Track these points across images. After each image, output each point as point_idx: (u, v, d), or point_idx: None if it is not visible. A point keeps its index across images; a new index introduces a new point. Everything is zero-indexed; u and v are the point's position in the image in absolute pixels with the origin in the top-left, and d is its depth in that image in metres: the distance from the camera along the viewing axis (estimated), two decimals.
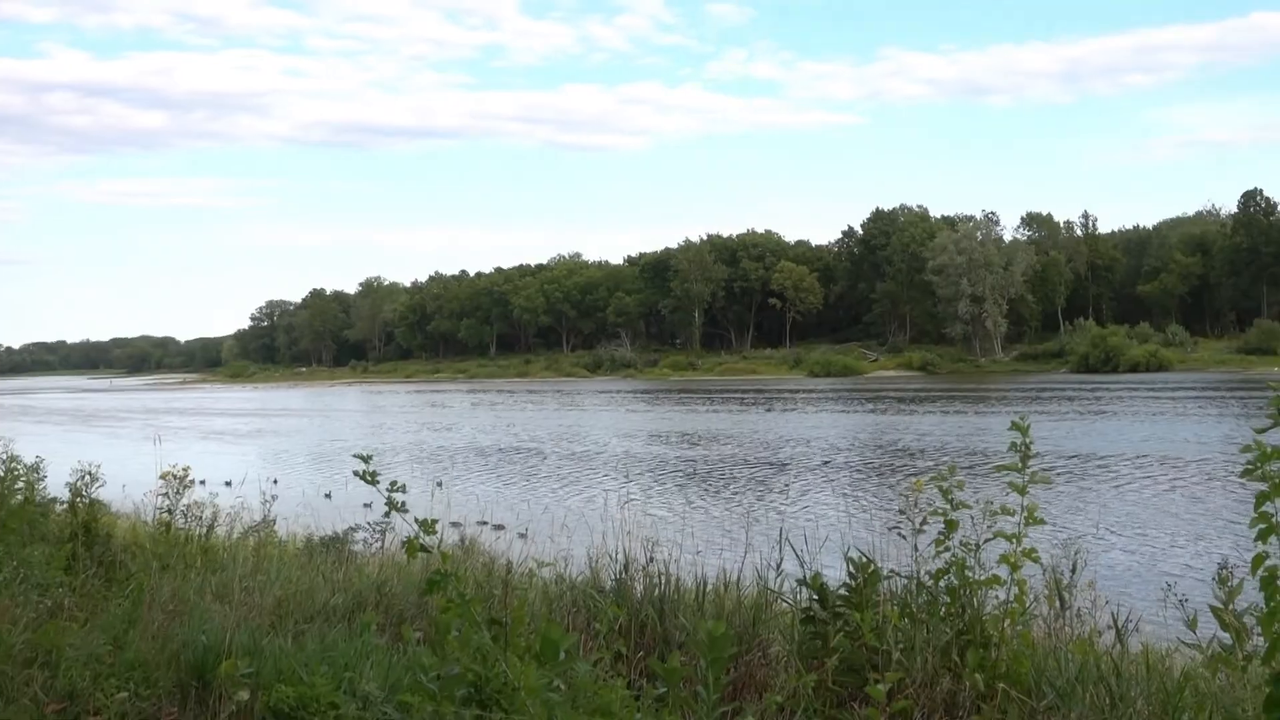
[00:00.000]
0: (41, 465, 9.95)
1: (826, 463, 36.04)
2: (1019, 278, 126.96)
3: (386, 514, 4.40)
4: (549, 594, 7.16)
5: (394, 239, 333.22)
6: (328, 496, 25.35)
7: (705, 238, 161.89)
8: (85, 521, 8.50)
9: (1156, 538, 20.52)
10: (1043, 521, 5.57)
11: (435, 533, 4.32)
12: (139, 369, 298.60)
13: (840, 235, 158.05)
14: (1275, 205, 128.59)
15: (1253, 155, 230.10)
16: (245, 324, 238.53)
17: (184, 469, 9.63)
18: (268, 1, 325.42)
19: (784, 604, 6.40)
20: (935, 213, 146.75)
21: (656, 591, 6.60)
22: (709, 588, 6.99)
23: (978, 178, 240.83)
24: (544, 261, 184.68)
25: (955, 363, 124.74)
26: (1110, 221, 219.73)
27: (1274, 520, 3.65)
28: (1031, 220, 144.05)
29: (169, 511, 9.58)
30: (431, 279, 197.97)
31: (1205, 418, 50.57)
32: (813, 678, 4.82)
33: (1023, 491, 5.46)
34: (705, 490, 29.84)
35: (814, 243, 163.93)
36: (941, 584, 5.52)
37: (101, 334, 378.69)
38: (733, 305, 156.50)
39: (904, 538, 6.02)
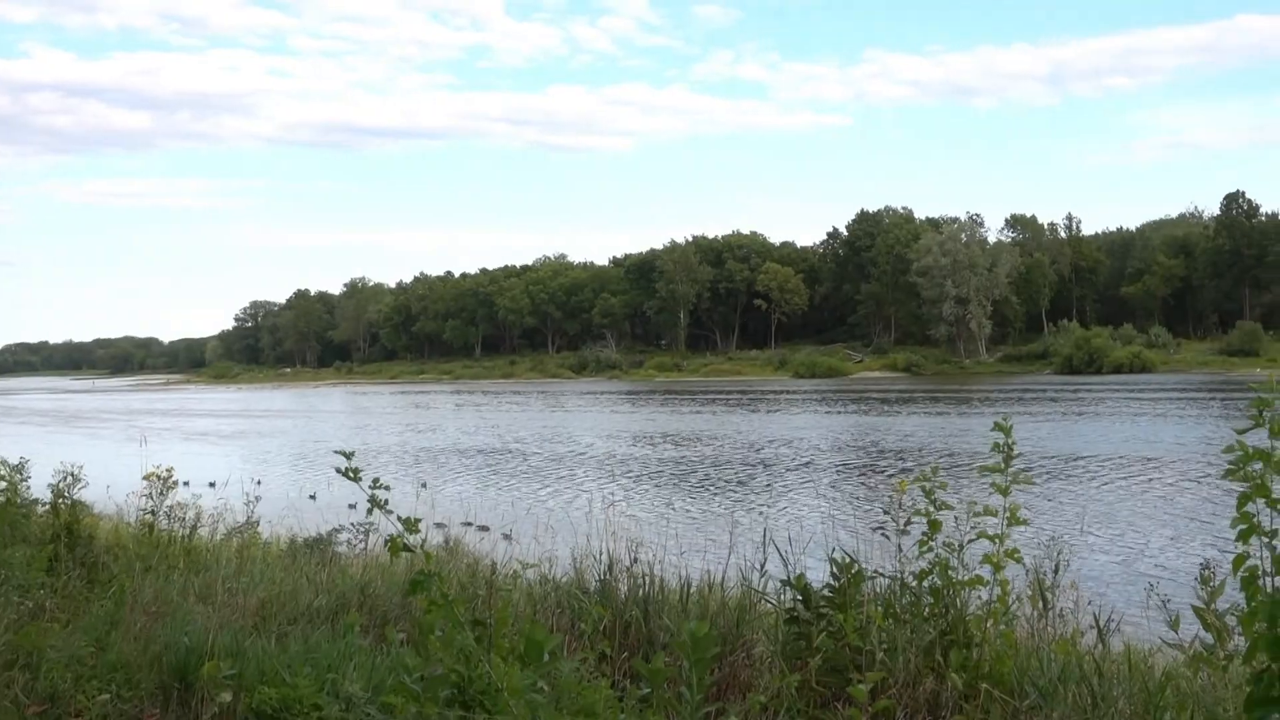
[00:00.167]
0: (25, 466, 9.90)
1: (810, 464, 36.08)
2: (1003, 279, 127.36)
3: (370, 512, 4.39)
4: (533, 595, 7.15)
5: (379, 240, 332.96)
6: (312, 498, 25.26)
7: (690, 239, 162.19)
8: (67, 523, 8.45)
9: (1139, 538, 20.60)
10: (1025, 522, 5.59)
11: (419, 532, 4.31)
12: (122, 370, 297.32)
13: (825, 236, 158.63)
14: (1257, 208, 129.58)
15: (1235, 158, 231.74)
16: (229, 325, 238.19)
17: (167, 470, 9.59)
18: (252, 1, 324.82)
19: (768, 604, 6.41)
20: (920, 214, 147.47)
21: (641, 592, 6.61)
22: (693, 588, 6.99)
23: (962, 179, 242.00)
24: (529, 262, 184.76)
25: (940, 364, 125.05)
26: (1094, 223, 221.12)
27: (1255, 520, 3.67)
28: (1016, 222, 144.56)
29: (152, 513, 9.54)
30: (416, 280, 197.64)
31: (1187, 419, 50.82)
32: (796, 678, 4.83)
33: (1005, 492, 5.49)
34: (690, 491, 29.85)
35: (799, 244, 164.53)
36: (925, 584, 5.54)
37: (84, 334, 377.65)
38: (718, 306, 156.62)
39: (888, 538, 6.04)
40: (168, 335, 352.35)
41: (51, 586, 7.27)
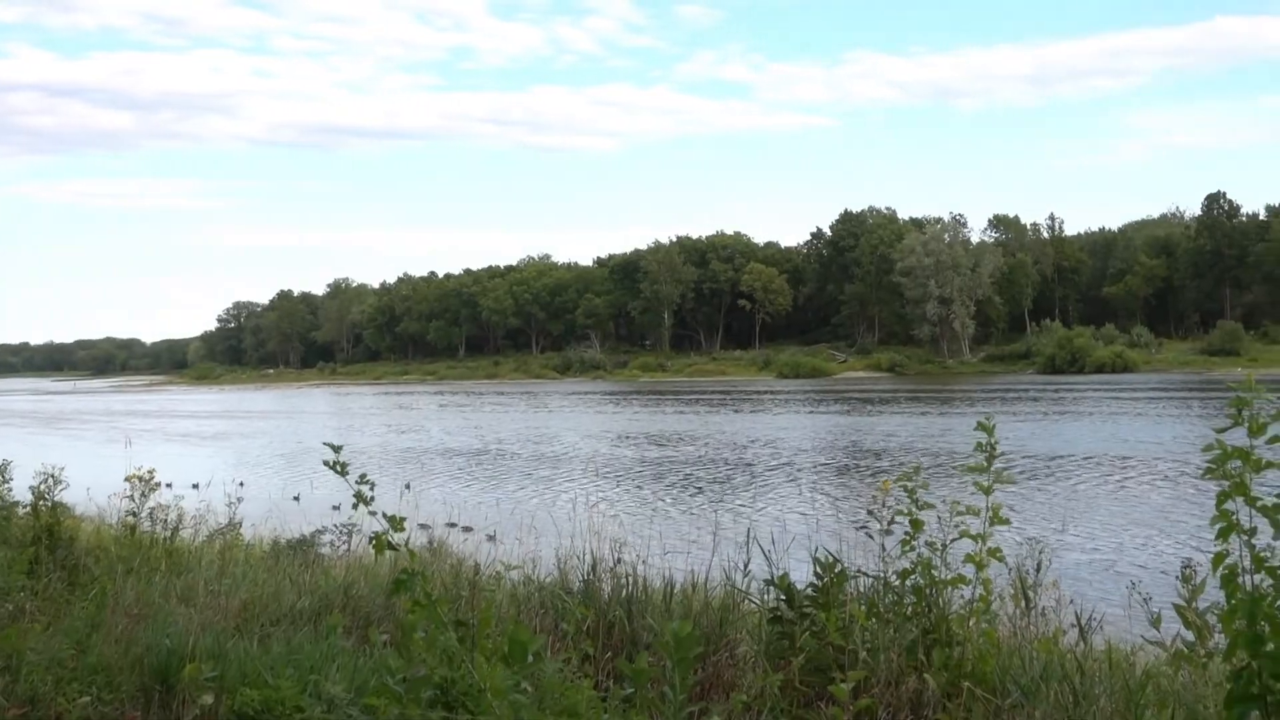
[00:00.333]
0: (6, 468, 9.84)
1: (794, 464, 36.14)
2: (986, 279, 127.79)
3: (355, 506, 4.38)
4: (517, 596, 7.14)
5: (362, 240, 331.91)
6: (295, 499, 25.18)
7: (675, 239, 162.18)
8: (48, 525, 8.40)
9: (1120, 536, 20.70)
10: (1007, 521, 5.61)
11: (403, 529, 4.30)
12: (104, 371, 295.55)
13: (809, 237, 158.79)
14: (1238, 208, 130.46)
15: (1216, 159, 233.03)
16: (212, 326, 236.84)
17: (149, 471, 9.55)
18: (235, 2, 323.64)
19: (751, 604, 6.42)
20: (903, 214, 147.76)
21: (624, 592, 6.61)
22: (677, 588, 7.00)
23: (946, 180, 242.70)
24: (513, 263, 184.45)
25: (923, 364, 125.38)
26: (1076, 224, 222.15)
27: (1234, 519, 3.69)
28: (999, 222, 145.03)
29: (133, 514, 9.50)
30: (400, 280, 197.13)
31: (1168, 418, 51.09)
32: (779, 677, 4.84)
33: (988, 491, 5.50)
34: (673, 491, 29.86)
35: (783, 244, 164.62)
36: (908, 583, 5.55)
37: (66, 336, 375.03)
38: (702, 307, 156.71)
39: (871, 538, 6.05)
40: (150, 336, 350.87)
41: (32, 589, 7.23)
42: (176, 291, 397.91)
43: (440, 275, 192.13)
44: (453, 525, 19.69)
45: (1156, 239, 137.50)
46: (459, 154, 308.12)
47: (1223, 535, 3.69)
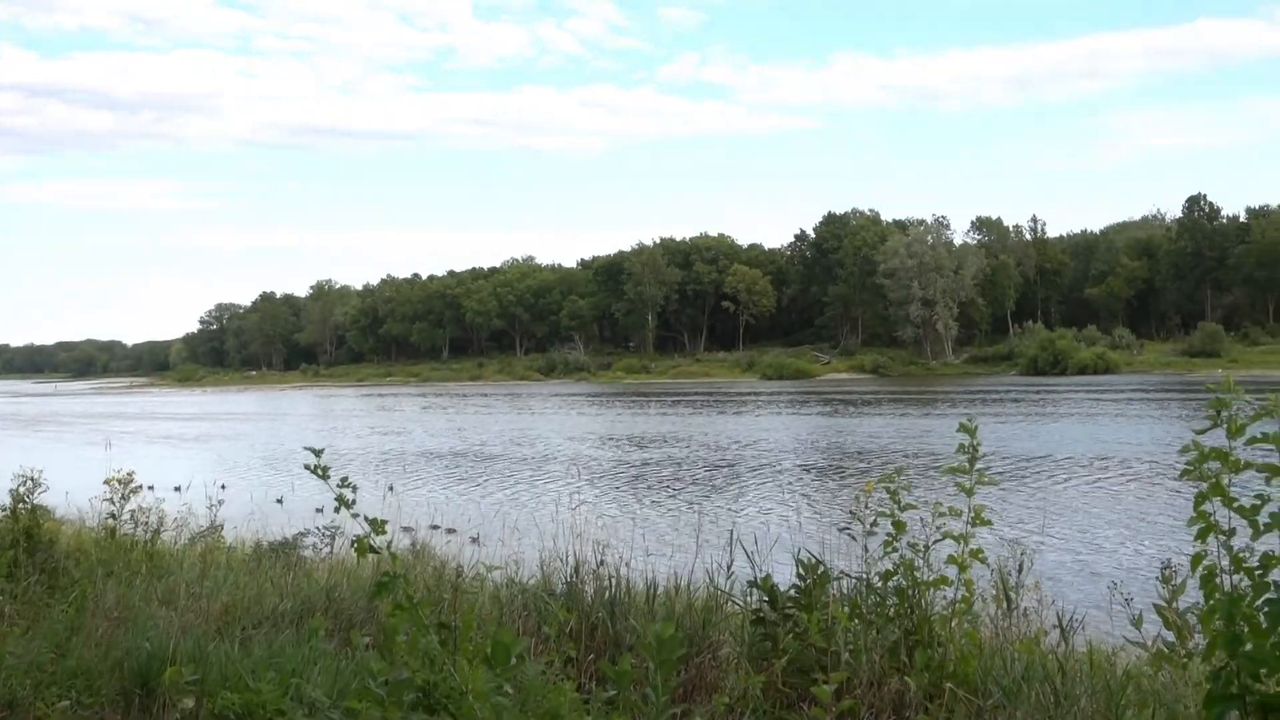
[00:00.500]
0: None
1: (777, 465, 36.18)
2: (969, 281, 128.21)
3: (337, 510, 4.36)
4: (500, 598, 7.13)
5: (346, 242, 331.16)
6: (279, 501, 25.07)
7: (658, 240, 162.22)
8: (27, 527, 8.35)
9: (1102, 537, 20.78)
10: (989, 523, 5.62)
11: (385, 533, 4.29)
12: (85, 373, 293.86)
13: (793, 238, 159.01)
14: (1218, 210, 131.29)
15: (1197, 161, 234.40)
16: (194, 327, 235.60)
17: (128, 474, 9.50)
18: (218, 2, 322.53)
19: (734, 606, 6.42)
20: (887, 216, 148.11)
21: (607, 594, 6.60)
22: (660, 590, 7.00)
23: (929, 182, 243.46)
24: (497, 264, 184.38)
25: (906, 365, 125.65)
26: (1058, 226, 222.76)
27: (1212, 519, 3.71)
28: (981, 224, 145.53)
29: (114, 517, 9.45)
30: (383, 282, 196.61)
31: (1148, 419, 51.33)
32: (761, 679, 4.85)
33: (970, 493, 5.52)
34: (656, 493, 29.85)
35: (767, 246, 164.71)
36: (890, 585, 5.57)
37: (46, 337, 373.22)
38: (686, 308, 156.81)
39: (854, 539, 6.06)
40: (131, 338, 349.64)
41: (11, 592, 7.19)
42: (158, 293, 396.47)
43: (424, 277, 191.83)
44: (436, 527, 19.61)
45: (1138, 241, 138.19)
46: (442, 155, 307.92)
47: (1201, 536, 3.71)
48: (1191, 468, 3.75)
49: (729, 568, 6.76)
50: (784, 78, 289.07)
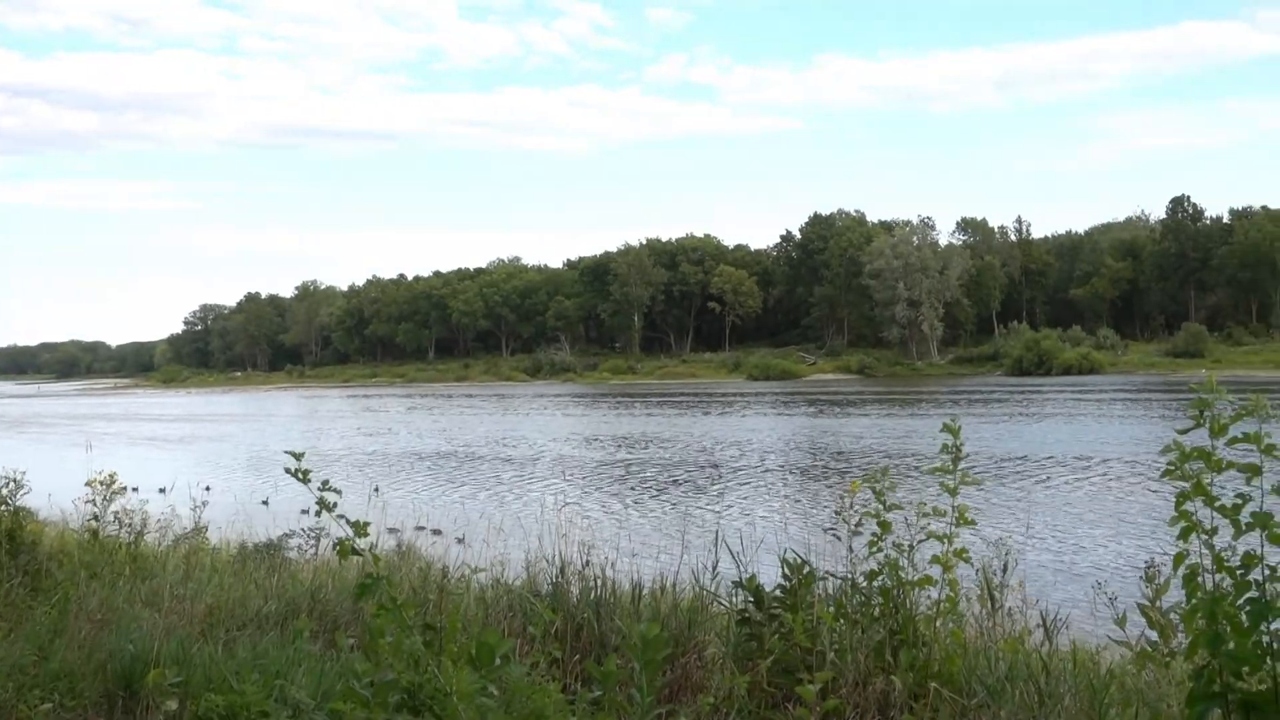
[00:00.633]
0: None
1: (763, 466, 36.22)
2: (954, 282, 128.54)
3: (318, 514, 4.34)
4: (485, 599, 7.12)
5: (331, 242, 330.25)
6: (264, 503, 24.98)
7: (644, 241, 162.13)
8: (9, 529, 8.31)
9: (1086, 537, 20.85)
10: (973, 523, 5.64)
11: (368, 535, 4.28)
12: (68, 374, 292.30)
13: (779, 239, 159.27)
14: (1202, 211, 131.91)
15: (1181, 162, 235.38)
16: (178, 328, 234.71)
17: (110, 475, 9.46)
18: (204, 2, 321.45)
19: (720, 606, 6.42)
20: (873, 217, 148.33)
21: (593, 595, 6.60)
22: (645, 590, 7.00)
23: (914, 182, 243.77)
24: (483, 265, 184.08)
25: (892, 366, 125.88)
26: (1043, 227, 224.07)
27: (1194, 519, 3.72)
28: (967, 225, 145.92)
29: (97, 519, 9.40)
30: (369, 282, 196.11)
31: (1132, 419, 51.54)
32: (746, 679, 4.85)
33: (954, 493, 5.53)
34: (642, 493, 29.86)
35: (753, 247, 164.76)
36: (875, 585, 5.58)
37: (29, 338, 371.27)
38: (672, 309, 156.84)
39: (839, 539, 6.07)
40: (115, 339, 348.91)
41: None
42: (143, 294, 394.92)
43: (409, 277, 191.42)
44: (421, 528, 19.58)
45: (1122, 242, 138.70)
46: (429, 155, 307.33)
47: (1183, 536, 3.73)
48: (1174, 467, 3.77)
49: (714, 568, 6.76)
50: (770, 79, 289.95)
